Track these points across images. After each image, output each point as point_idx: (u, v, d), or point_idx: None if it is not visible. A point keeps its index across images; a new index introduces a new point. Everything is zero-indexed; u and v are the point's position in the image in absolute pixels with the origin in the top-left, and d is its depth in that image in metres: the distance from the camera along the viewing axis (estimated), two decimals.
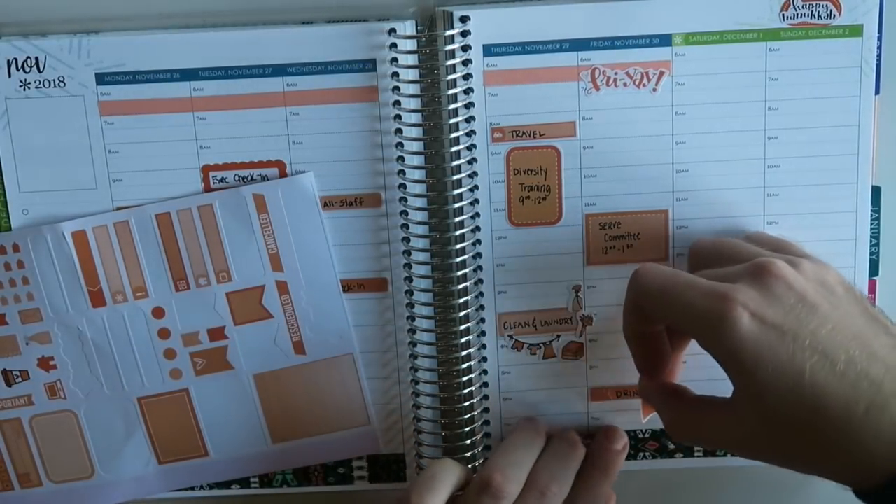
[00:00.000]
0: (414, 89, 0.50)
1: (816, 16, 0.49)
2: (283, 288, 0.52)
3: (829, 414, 0.40)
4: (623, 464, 0.52)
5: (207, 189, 0.51)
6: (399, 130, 0.50)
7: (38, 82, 0.50)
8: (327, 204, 0.51)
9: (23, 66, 0.49)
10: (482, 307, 0.52)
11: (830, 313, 0.42)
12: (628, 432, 0.53)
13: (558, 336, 0.53)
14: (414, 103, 0.50)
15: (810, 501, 0.54)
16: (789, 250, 0.48)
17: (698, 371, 0.49)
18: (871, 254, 0.52)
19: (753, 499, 0.55)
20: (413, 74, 0.50)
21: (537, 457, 0.50)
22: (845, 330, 0.41)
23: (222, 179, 0.51)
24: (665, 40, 0.49)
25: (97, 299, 0.51)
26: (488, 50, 0.49)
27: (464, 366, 0.52)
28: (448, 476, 0.48)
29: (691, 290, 0.43)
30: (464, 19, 0.49)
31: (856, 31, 0.49)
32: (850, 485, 0.42)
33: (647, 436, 0.54)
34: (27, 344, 0.52)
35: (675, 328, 0.48)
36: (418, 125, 0.50)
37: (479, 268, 0.52)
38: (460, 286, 0.51)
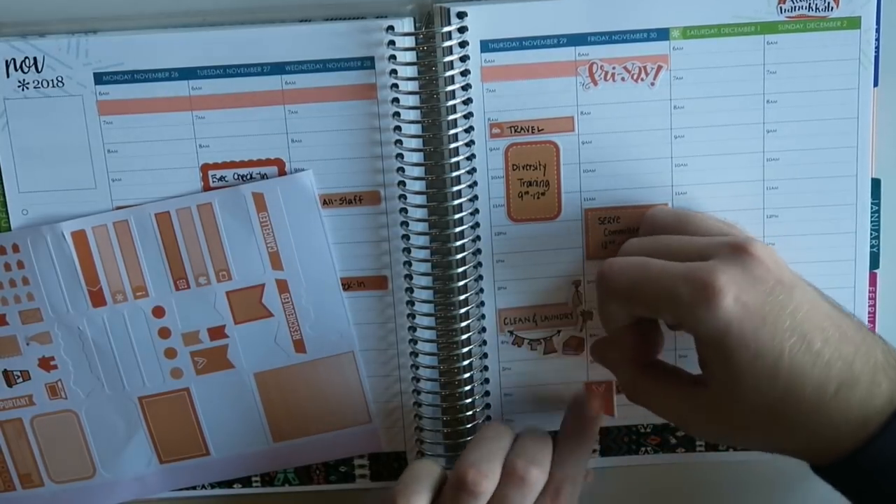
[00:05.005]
0: (412, 86, 0.50)
1: (814, 8, 0.49)
2: (283, 286, 0.52)
3: (802, 395, 0.40)
4: (619, 460, 0.52)
5: (207, 188, 0.51)
6: (398, 128, 0.50)
7: (36, 82, 0.50)
8: (327, 202, 0.51)
9: (21, 66, 0.49)
10: (482, 303, 0.52)
11: (804, 294, 0.42)
12: (629, 427, 0.53)
13: (559, 331, 0.52)
14: (412, 100, 0.50)
15: (811, 495, 0.54)
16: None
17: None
18: (872, 246, 0.51)
19: (754, 493, 0.55)
20: (411, 71, 0.50)
21: (509, 448, 0.48)
22: (819, 311, 0.41)
23: (221, 178, 0.51)
24: (663, 34, 0.49)
25: (97, 299, 0.51)
26: (486, 46, 0.49)
27: (465, 362, 0.52)
28: (429, 475, 0.47)
29: (667, 277, 0.42)
30: (461, 15, 0.49)
31: (854, 23, 0.49)
32: (810, 461, 0.42)
33: (648, 431, 0.54)
34: (28, 344, 0.52)
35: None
36: (417, 122, 0.50)
37: (479, 264, 0.52)
38: (460, 283, 0.51)
